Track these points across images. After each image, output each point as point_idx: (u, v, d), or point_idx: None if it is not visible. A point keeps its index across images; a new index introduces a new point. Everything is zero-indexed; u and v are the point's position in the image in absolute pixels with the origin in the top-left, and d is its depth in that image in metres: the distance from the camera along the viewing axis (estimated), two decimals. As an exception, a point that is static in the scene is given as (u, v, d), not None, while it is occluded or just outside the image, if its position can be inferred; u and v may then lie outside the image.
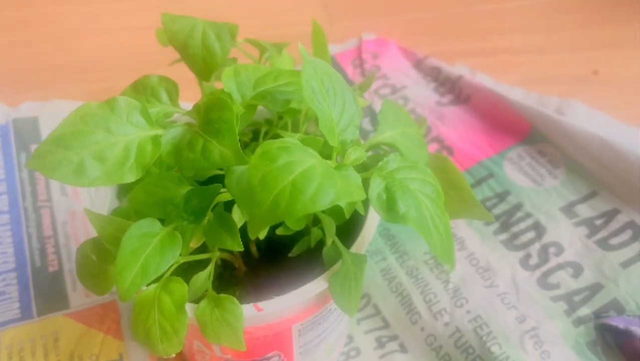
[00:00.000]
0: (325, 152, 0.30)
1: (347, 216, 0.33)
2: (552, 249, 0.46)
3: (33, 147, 0.57)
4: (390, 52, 0.65)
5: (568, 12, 0.72)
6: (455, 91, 0.59)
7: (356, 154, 0.30)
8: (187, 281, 0.30)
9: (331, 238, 0.33)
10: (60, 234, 0.51)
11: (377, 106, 0.60)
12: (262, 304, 0.30)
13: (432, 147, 0.56)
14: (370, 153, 0.36)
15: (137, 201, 0.30)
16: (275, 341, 0.34)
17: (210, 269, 0.32)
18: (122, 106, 0.28)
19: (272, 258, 0.37)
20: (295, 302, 0.30)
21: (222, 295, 0.29)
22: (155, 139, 0.28)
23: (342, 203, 0.23)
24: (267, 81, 0.32)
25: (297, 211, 0.23)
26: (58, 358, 0.43)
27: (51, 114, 0.60)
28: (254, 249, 0.37)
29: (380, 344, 0.44)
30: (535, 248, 0.46)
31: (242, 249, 0.29)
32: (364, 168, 0.33)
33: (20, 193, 0.53)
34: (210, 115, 0.28)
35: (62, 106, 0.61)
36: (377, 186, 0.28)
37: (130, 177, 0.27)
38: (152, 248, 0.27)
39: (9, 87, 0.63)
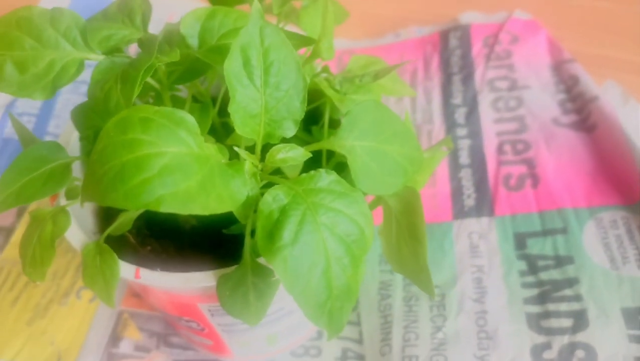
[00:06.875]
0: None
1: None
2: (580, 353, 0.35)
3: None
4: (534, 41, 0.53)
5: None
6: (584, 113, 0.46)
7: (287, 154, 0.24)
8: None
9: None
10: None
11: (484, 98, 0.50)
12: (142, 272, 0.27)
13: (518, 169, 0.45)
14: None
15: (74, 119, 0.29)
16: (185, 310, 0.32)
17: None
18: (65, 20, 0.26)
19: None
20: (177, 285, 0.27)
21: (105, 246, 0.27)
22: (82, 64, 0.26)
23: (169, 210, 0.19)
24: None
25: (110, 200, 0.19)
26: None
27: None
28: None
29: (344, 356, 0.39)
30: (560, 342, 0.35)
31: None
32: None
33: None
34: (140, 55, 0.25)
35: None
36: (273, 201, 0.23)
37: (38, 96, 0.25)
38: (38, 174, 0.26)
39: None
